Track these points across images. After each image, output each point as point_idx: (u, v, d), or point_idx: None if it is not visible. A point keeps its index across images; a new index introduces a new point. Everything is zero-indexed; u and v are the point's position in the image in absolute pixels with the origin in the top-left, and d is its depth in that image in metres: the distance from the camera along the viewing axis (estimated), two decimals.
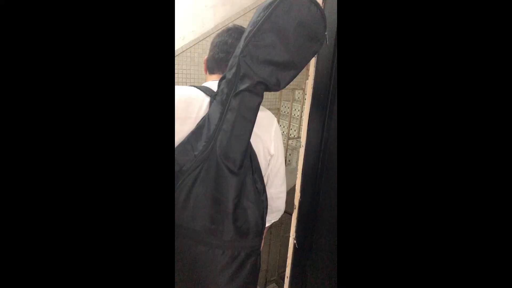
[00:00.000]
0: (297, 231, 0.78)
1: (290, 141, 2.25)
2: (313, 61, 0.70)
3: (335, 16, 0.65)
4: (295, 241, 0.79)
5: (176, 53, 2.33)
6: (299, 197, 0.76)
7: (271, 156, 0.76)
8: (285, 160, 2.34)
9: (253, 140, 0.69)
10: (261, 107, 0.69)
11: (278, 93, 2.32)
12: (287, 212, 1.83)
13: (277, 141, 0.77)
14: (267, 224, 0.87)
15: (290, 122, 2.23)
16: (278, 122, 2.20)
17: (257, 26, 0.59)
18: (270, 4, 0.59)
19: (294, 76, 0.64)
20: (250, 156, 0.68)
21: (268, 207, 0.81)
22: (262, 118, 0.73)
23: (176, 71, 2.37)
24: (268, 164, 0.77)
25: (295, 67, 0.63)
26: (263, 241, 0.94)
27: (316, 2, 0.60)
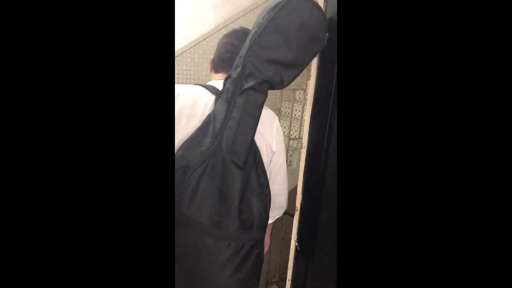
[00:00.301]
0: (298, 234, 0.78)
1: (291, 142, 2.25)
2: (315, 62, 0.69)
3: (335, 17, 0.64)
4: (296, 244, 0.78)
5: (176, 54, 2.33)
6: (300, 199, 0.76)
7: (273, 153, 0.79)
8: (286, 161, 2.33)
9: (256, 137, 0.71)
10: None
11: (279, 93, 2.31)
12: (289, 214, 1.81)
13: (278, 139, 0.80)
14: (271, 221, 0.92)
15: (291, 123, 2.22)
16: (279, 122, 2.19)
17: (262, 27, 0.62)
18: (275, 6, 0.62)
19: (297, 75, 0.68)
20: (254, 152, 0.71)
21: (272, 203, 0.82)
22: (264, 116, 0.75)
23: (176, 71, 2.37)
24: (270, 161, 0.80)
25: (298, 66, 0.66)
26: (269, 236, 0.99)
27: (318, 5, 0.62)
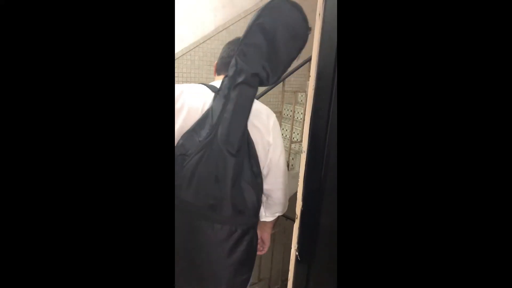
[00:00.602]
0: (299, 242, 0.73)
1: (293, 145, 2.21)
2: (314, 61, 0.66)
3: (335, 17, 0.61)
4: (297, 253, 0.74)
5: (176, 56, 2.30)
6: (300, 206, 0.72)
7: (270, 145, 0.85)
8: (288, 165, 2.29)
9: (252, 131, 0.79)
10: (260, 103, 0.83)
11: (280, 96, 2.27)
12: (291, 219, 1.78)
13: (275, 132, 0.86)
14: (270, 218, 0.97)
15: (292, 125, 2.18)
16: (280, 125, 2.15)
17: (248, 28, 0.71)
18: (259, 10, 0.71)
19: (283, 71, 0.75)
20: (248, 144, 0.78)
21: (270, 198, 0.91)
22: (261, 112, 0.83)
23: (176, 74, 2.35)
24: (268, 154, 0.86)
25: (282, 62, 0.74)
26: (268, 235, 1.05)
27: (298, 6, 0.70)
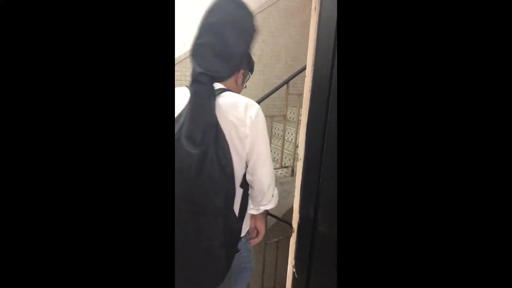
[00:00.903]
0: (296, 258, 0.67)
1: (297, 149, 2.15)
2: (310, 58, 0.60)
3: (332, 9, 0.55)
4: (294, 270, 0.68)
5: (179, 60, 2.28)
6: (297, 218, 0.66)
7: (247, 136, 0.84)
8: (292, 170, 2.23)
9: (226, 125, 0.81)
10: (239, 96, 0.84)
11: (284, 98, 2.22)
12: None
13: (254, 123, 0.84)
14: (255, 212, 0.98)
15: (297, 129, 2.12)
16: (284, 128, 2.09)
17: (197, 30, 0.75)
18: (206, 11, 0.75)
19: (236, 66, 0.79)
20: (216, 138, 0.79)
21: (252, 190, 0.93)
22: (237, 105, 0.83)
23: (178, 78, 2.32)
24: (245, 146, 0.85)
25: (233, 58, 0.77)
26: (262, 225, 1.08)
27: (243, 4, 0.75)
